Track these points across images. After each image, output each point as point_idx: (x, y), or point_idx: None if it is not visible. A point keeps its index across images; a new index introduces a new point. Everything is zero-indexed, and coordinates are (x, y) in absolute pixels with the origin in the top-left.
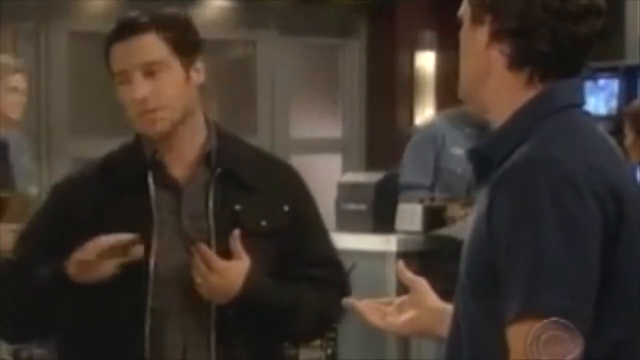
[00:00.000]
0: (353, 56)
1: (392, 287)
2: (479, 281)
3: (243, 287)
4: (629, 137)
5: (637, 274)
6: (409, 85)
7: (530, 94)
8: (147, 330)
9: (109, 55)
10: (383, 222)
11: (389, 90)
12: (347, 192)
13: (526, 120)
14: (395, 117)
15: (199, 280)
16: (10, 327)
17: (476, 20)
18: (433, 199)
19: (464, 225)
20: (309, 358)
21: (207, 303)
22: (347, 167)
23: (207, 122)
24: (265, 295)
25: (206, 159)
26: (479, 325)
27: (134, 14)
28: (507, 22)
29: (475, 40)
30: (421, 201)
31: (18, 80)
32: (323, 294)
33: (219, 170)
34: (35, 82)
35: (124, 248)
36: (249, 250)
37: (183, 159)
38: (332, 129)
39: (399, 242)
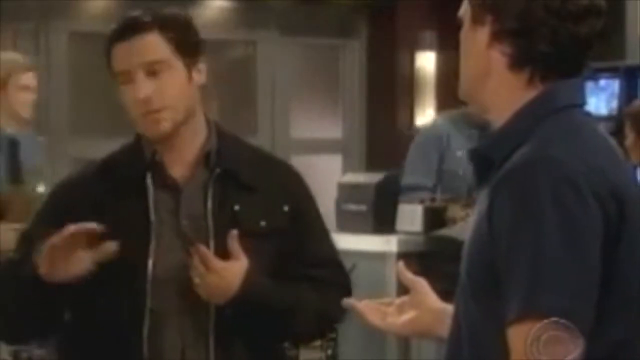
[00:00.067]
0: (353, 56)
1: (392, 287)
2: (480, 281)
3: (241, 287)
4: (629, 138)
5: (638, 274)
6: (409, 85)
7: (530, 94)
8: (146, 330)
9: (110, 54)
10: (383, 222)
11: (389, 90)
12: (347, 192)
13: (526, 121)
14: (395, 117)
15: (197, 280)
16: (10, 328)
17: (476, 20)
18: (433, 200)
19: (464, 225)
20: (309, 358)
21: (206, 303)
22: (347, 167)
23: (207, 122)
24: (263, 295)
25: (205, 159)
26: (479, 326)
27: (136, 13)
28: (507, 22)
29: (476, 40)
30: (421, 201)
31: (29, 79)
32: (323, 294)
33: (218, 170)
34: None
35: (98, 245)
36: (248, 250)
37: (182, 159)
38: (332, 129)
39: (399, 243)
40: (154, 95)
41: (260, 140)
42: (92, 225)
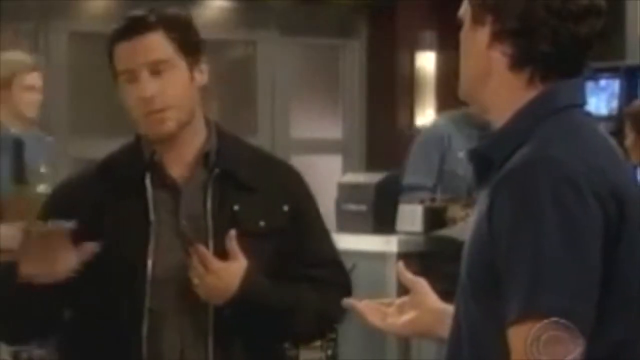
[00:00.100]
0: (353, 56)
1: (393, 287)
2: (480, 281)
3: (239, 288)
4: (629, 137)
5: (638, 274)
6: (409, 86)
7: (530, 94)
8: (145, 330)
9: (113, 53)
10: (383, 222)
11: (389, 90)
12: (347, 192)
13: (527, 121)
14: (396, 117)
15: (196, 280)
16: (9, 328)
17: (477, 21)
18: (433, 200)
19: (464, 225)
20: (309, 358)
21: (205, 303)
22: (347, 168)
23: (207, 122)
24: (262, 295)
25: (205, 159)
26: (479, 326)
27: (139, 12)
28: (508, 22)
29: (476, 40)
30: (421, 202)
31: (33, 78)
32: (323, 294)
33: (217, 170)
34: None
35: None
36: (247, 250)
37: (182, 159)
38: (332, 129)
39: (399, 243)
40: (158, 94)
41: (260, 140)
42: (70, 225)
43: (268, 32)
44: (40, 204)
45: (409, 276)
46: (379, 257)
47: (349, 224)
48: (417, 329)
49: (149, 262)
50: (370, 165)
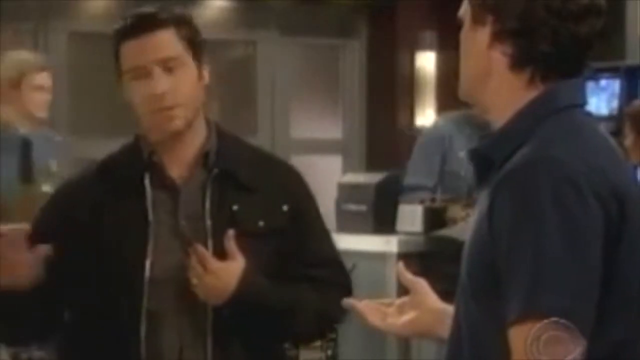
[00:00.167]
0: (353, 56)
1: (393, 287)
2: (480, 282)
3: (237, 288)
4: (629, 138)
5: (638, 274)
6: (409, 86)
7: (531, 94)
8: (143, 330)
9: (120, 50)
10: (383, 222)
11: (389, 90)
12: (347, 192)
13: (527, 121)
14: (396, 117)
15: (194, 280)
16: (9, 330)
17: (477, 21)
18: (433, 200)
19: (464, 226)
20: (309, 358)
21: (203, 304)
22: (347, 168)
23: (207, 122)
24: (260, 295)
25: (204, 159)
26: (479, 326)
27: (148, 9)
28: (508, 22)
29: (476, 40)
30: (421, 202)
31: (42, 78)
32: (323, 294)
33: (216, 170)
34: None
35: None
36: (246, 250)
37: (182, 159)
38: (332, 129)
39: (400, 243)
40: (169, 91)
41: (260, 140)
42: (25, 227)
43: (268, 32)
44: (42, 203)
45: (409, 276)
46: (379, 257)
47: (349, 224)
48: (417, 329)
49: (148, 263)
50: (370, 165)
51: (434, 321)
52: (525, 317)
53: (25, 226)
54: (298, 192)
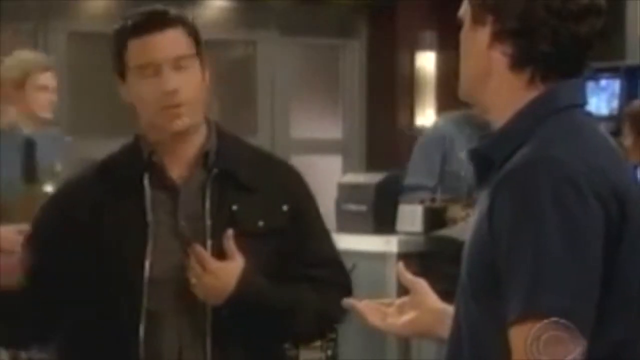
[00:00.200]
0: (353, 56)
1: (393, 287)
2: (480, 282)
3: (236, 288)
4: (629, 138)
5: (638, 274)
6: (409, 86)
7: (531, 94)
8: (142, 331)
9: (127, 47)
10: (383, 222)
11: (389, 90)
12: (348, 192)
13: (527, 121)
14: (396, 117)
15: (193, 280)
16: (8, 332)
17: (477, 21)
18: (433, 200)
19: (464, 226)
20: (309, 358)
21: (203, 304)
22: (347, 168)
23: (207, 122)
24: (259, 295)
25: (204, 159)
26: (479, 326)
27: (156, 8)
28: (508, 22)
29: (476, 40)
30: (421, 202)
31: (47, 78)
32: (323, 294)
33: (216, 170)
34: None
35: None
36: (246, 250)
37: (182, 159)
38: (332, 129)
39: (400, 243)
40: (179, 89)
41: (260, 140)
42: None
43: (268, 32)
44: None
45: (409, 276)
46: (379, 257)
47: (349, 224)
48: (417, 329)
49: (147, 263)
50: (370, 165)
51: (433, 321)
52: (525, 317)
53: (25, 227)
54: (298, 192)
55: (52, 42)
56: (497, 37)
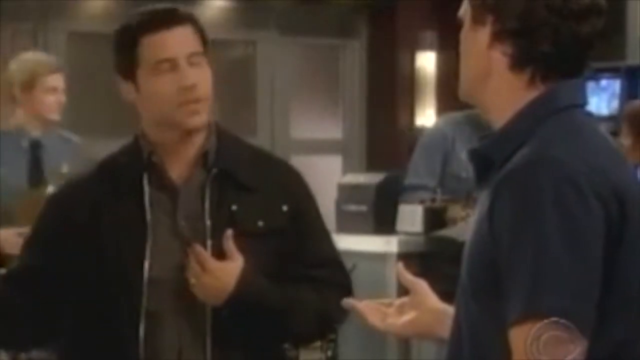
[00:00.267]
0: (353, 56)
1: (393, 288)
2: (480, 282)
3: (236, 288)
4: (627, 139)
5: (638, 274)
6: (409, 86)
7: (531, 94)
8: (142, 331)
9: (138, 44)
10: (383, 223)
11: (389, 90)
12: (348, 192)
13: (527, 121)
14: (396, 117)
15: (192, 280)
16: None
17: (477, 21)
18: (433, 200)
19: (464, 226)
20: (309, 359)
21: (203, 304)
22: (347, 168)
23: (207, 122)
24: (259, 295)
25: (204, 159)
26: (479, 326)
27: (167, 6)
28: (508, 22)
29: (476, 40)
30: (422, 202)
31: (55, 80)
32: (323, 294)
33: (215, 170)
34: None
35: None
36: (245, 250)
37: (181, 159)
38: (332, 130)
39: (400, 243)
40: (198, 84)
41: (260, 140)
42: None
43: (268, 32)
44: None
45: (408, 277)
46: (379, 257)
47: (349, 224)
48: (417, 329)
49: (146, 263)
50: (370, 165)
51: (433, 322)
52: (526, 317)
53: (27, 229)
54: (298, 192)
55: (52, 42)
56: (497, 37)
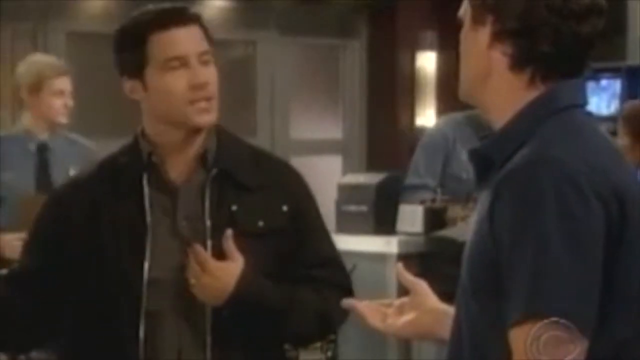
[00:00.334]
0: (353, 56)
1: (393, 288)
2: (480, 282)
3: (236, 288)
4: (625, 140)
5: (638, 274)
6: (409, 86)
7: (531, 94)
8: (142, 331)
9: (148, 41)
10: (383, 223)
11: (389, 90)
12: (348, 193)
13: (527, 121)
14: (396, 117)
15: (192, 280)
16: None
17: (477, 21)
18: (434, 200)
19: (464, 226)
20: (309, 359)
21: (203, 304)
22: (347, 168)
23: (216, 121)
24: (259, 295)
25: (203, 159)
26: (480, 326)
27: (173, 5)
28: (508, 22)
29: (476, 40)
30: (422, 202)
31: (62, 83)
32: (323, 294)
33: (215, 171)
34: None
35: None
36: (245, 250)
37: (181, 159)
38: (332, 130)
39: (400, 243)
40: (209, 82)
41: (260, 140)
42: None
43: (268, 32)
44: None
45: (408, 277)
46: (379, 258)
47: (349, 224)
48: (417, 330)
49: (146, 263)
50: (371, 165)
51: (433, 322)
52: (526, 317)
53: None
54: (298, 192)
55: (52, 42)
56: (497, 37)
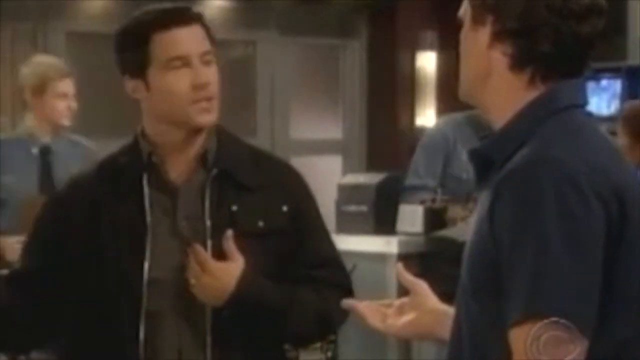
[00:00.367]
0: (353, 56)
1: (393, 288)
2: (480, 282)
3: (236, 288)
4: (623, 140)
5: (638, 274)
6: (409, 86)
7: (531, 94)
8: (142, 331)
9: (151, 41)
10: (383, 223)
11: (389, 90)
12: (348, 193)
13: (527, 121)
14: (396, 117)
15: (192, 281)
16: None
17: (477, 21)
18: (434, 200)
19: (464, 226)
20: (309, 359)
21: (203, 304)
22: (347, 168)
23: (216, 121)
24: (259, 295)
25: (203, 159)
26: (480, 326)
27: (175, 5)
28: (508, 22)
29: (476, 40)
30: (422, 202)
31: (66, 85)
32: (323, 294)
33: (215, 171)
34: None
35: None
36: (245, 250)
37: (181, 159)
38: (332, 130)
39: (400, 244)
40: (211, 82)
41: (260, 141)
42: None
43: (268, 32)
44: None
45: (408, 277)
46: (379, 258)
47: (349, 224)
48: (417, 330)
49: (146, 263)
50: (371, 165)
51: (433, 322)
52: (526, 317)
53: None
54: (298, 192)
55: (52, 42)
56: (497, 37)
